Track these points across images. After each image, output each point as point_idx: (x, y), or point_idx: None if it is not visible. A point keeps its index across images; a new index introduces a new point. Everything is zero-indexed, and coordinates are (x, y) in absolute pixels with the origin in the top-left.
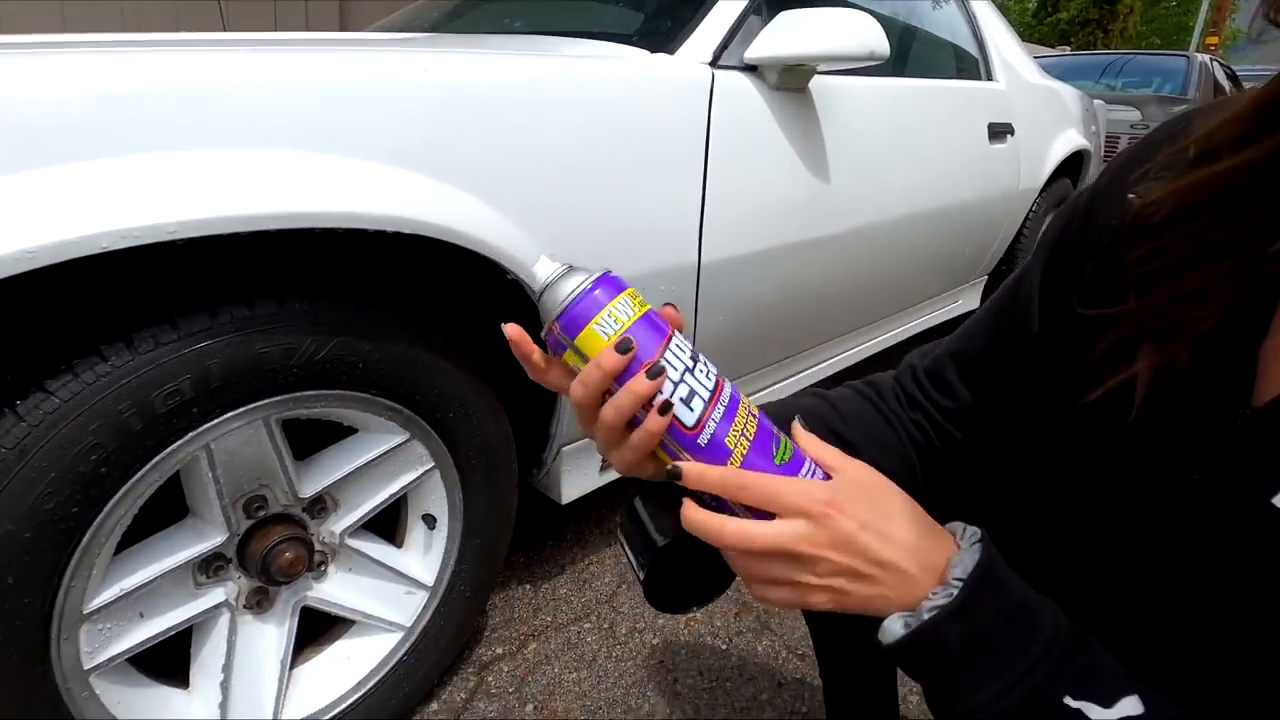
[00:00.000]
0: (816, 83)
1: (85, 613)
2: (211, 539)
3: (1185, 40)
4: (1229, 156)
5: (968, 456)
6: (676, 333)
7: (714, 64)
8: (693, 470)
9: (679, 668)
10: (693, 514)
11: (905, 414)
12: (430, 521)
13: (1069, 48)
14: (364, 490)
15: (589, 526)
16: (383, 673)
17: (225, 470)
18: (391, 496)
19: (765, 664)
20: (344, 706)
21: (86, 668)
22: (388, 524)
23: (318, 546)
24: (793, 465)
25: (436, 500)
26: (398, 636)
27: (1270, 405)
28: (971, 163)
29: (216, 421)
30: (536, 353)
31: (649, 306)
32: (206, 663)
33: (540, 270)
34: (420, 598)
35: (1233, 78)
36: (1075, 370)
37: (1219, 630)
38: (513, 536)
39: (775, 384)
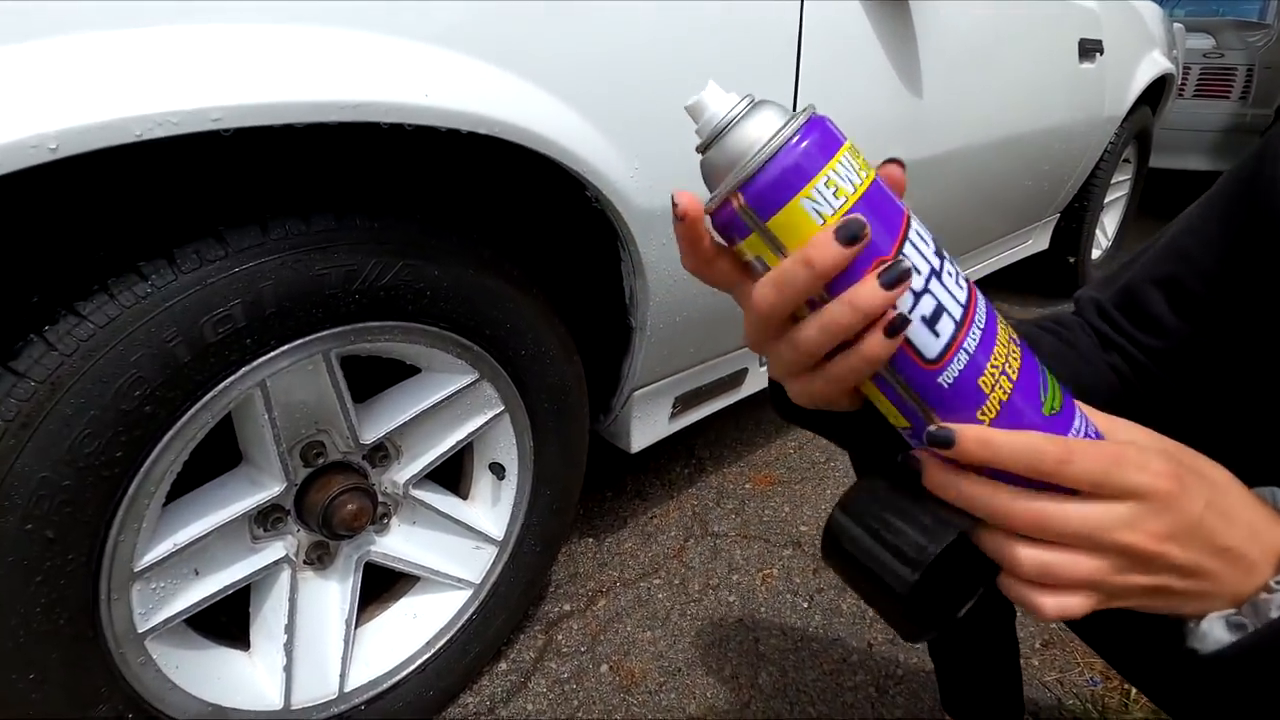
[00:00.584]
0: None
1: (136, 570)
2: (269, 489)
3: None
4: None
5: (1181, 406)
6: (912, 213)
7: None
8: (977, 439)
9: (759, 627)
10: (955, 482)
11: (1100, 356)
12: (499, 471)
13: None
14: (429, 436)
15: (648, 478)
16: (451, 632)
17: (282, 412)
18: (459, 443)
19: (851, 624)
20: (412, 668)
21: (141, 630)
22: (451, 475)
23: (380, 498)
24: (1064, 418)
25: (505, 448)
26: (466, 594)
27: None
28: (1061, 84)
29: (272, 355)
30: (708, 238)
31: (875, 171)
32: (268, 622)
33: (711, 102)
34: (489, 553)
35: None
36: None
37: None
38: None
39: None
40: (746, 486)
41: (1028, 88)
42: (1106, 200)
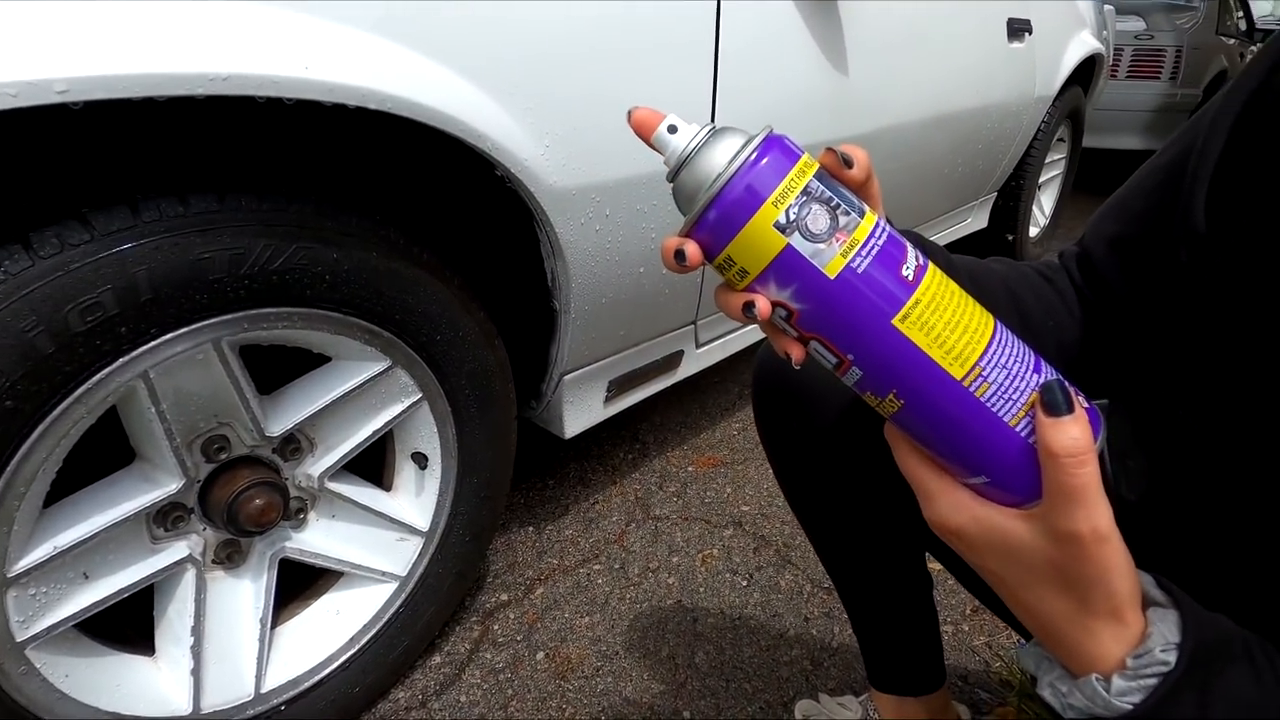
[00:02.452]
0: None
1: (9, 576)
2: (165, 486)
3: None
4: None
5: (1142, 350)
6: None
7: None
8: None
9: (698, 607)
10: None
11: (1075, 302)
12: (421, 460)
13: None
14: (343, 427)
15: (591, 464)
16: (377, 626)
17: (173, 405)
18: (375, 433)
19: (789, 599)
20: (336, 665)
21: (19, 639)
22: (375, 466)
23: (294, 492)
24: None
25: (427, 436)
26: (392, 587)
27: None
28: (991, 62)
29: (153, 344)
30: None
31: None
32: (173, 625)
33: (672, 134)
34: (414, 544)
35: None
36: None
37: None
38: (514, 476)
39: None
40: (689, 469)
41: (957, 66)
42: (1042, 179)
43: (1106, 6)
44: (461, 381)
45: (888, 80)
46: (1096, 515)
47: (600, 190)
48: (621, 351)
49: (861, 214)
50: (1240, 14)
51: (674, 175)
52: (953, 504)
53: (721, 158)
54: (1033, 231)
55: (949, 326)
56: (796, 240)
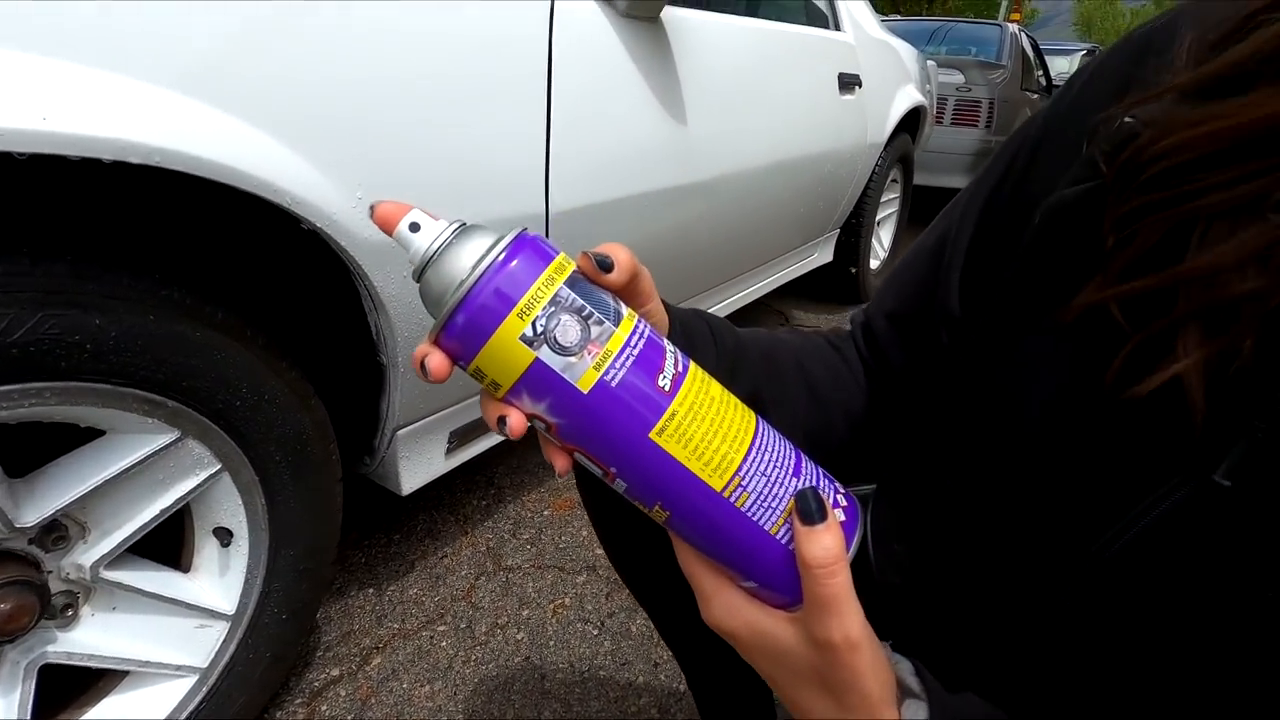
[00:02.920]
0: (669, 16)
1: None
2: None
3: (993, 15)
4: (1265, 88)
5: (920, 424)
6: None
7: None
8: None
9: (547, 663)
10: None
11: (862, 374)
12: (224, 536)
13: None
14: (123, 508)
15: (442, 515)
16: None
17: None
18: (165, 512)
19: (639, 645)
20: None
21: None
22: (172, 544)
23: (59, 587)
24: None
25: (230, 509)
26: (190, 681)
27: None
28: (825, 113)
29: None
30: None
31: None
32: None
33: (414, 233)
34: (218, 630)
35: (1035, 48)
36: (1014, 368)
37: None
38: (349, 535)
39: None
40: (545, 513)
41: (794, 117)
42: (880, 216)
43: (929, 62)
44: (270, 448)
45: (728, 130)
46: (848, 623)
47: None
48: (462, 401)
49: (617, 320)
50: (1040, 72)
51: (418, 275)
52: (726, 607)
53: (467, 260)
54: (874, 264)
55: (707, 437)
56: (545, 354)
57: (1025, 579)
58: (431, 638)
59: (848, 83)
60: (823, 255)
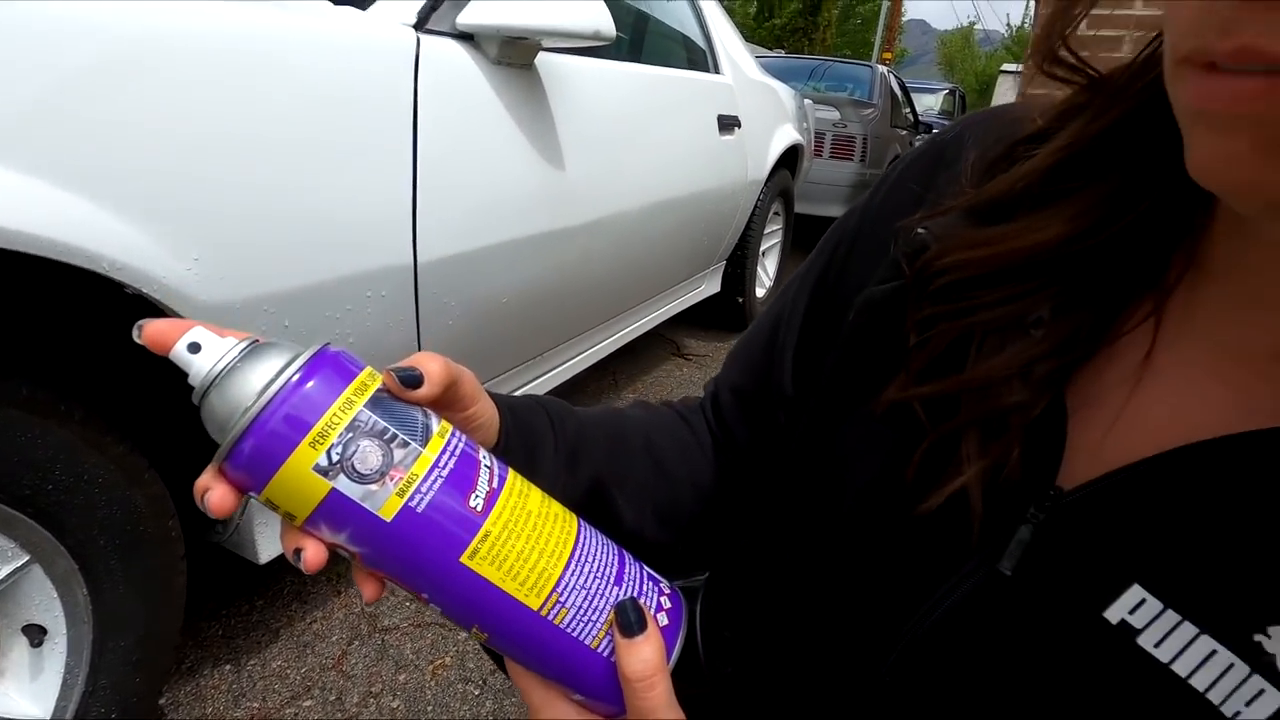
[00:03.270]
0: (544, 62)
1: None
2: None
3: (868, 54)
4: (1024, 219)
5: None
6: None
7: (420, 27)
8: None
9: None
10: None
11: (710, 447)
12: (36, 635)
13: (784, 50)
14: None
15: (314, 576)
16: None
17: None
18: None
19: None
20: None
21: None
22: None
23: None
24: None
25: (42, 604)
26: None
27: (1092, 488)
28: (705, 153)
29: None
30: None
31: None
32: None
33: (189, 356)
34: None
35: (903, 87)
36: (831, 453)
37: None
38: (205, 605)
39: (521, 386)
40: None
41: (673, 157)
42: (764, 247)
43: (806, 100)
44: (92, 532)
45: (607, 172)
46: None
47: (274, 301)
48: None
49: (425, 440)
50: (908, 109)
51: (199, 399)
52: (554, 716)
53: (256, 382)
54: (760, 293)
55: (523, 555)
56: (343, 483)
57: (835, 669)
58: (296, 714)
59: (727, 124)
60: (710, 286)
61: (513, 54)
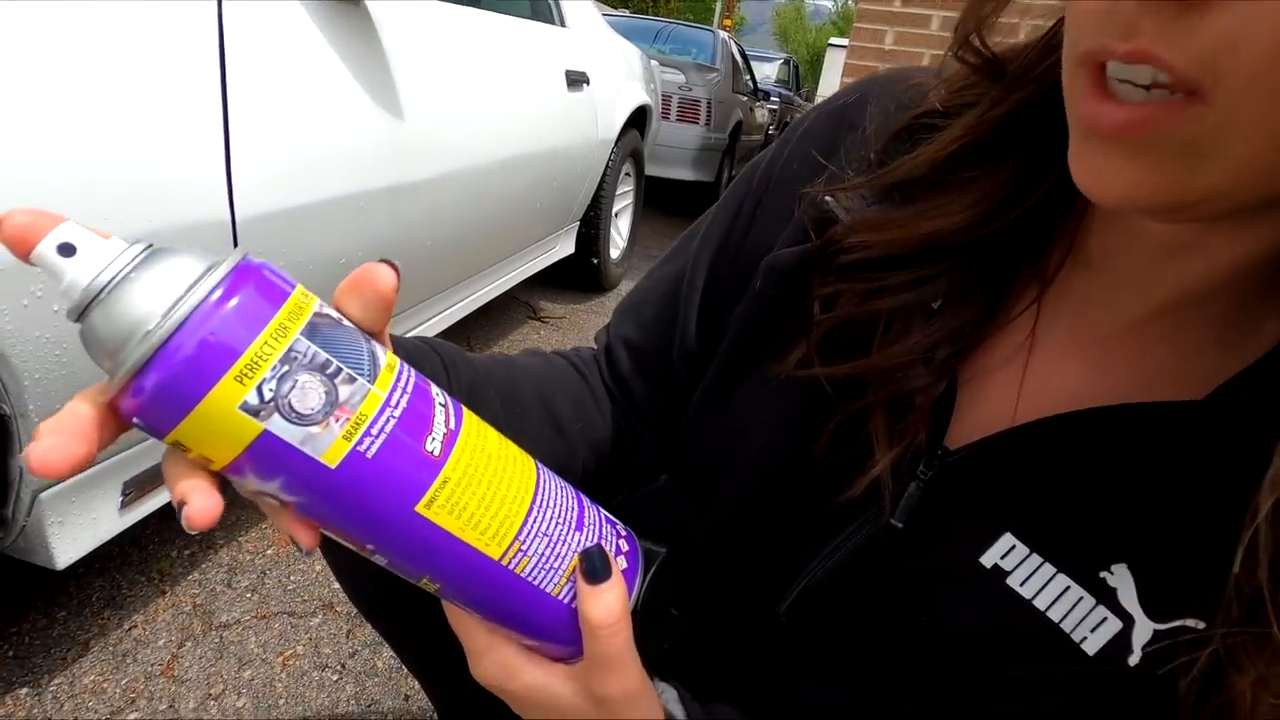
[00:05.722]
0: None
1: None
2: None
3: (710, 19)
4: (927, 202)
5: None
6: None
7: None
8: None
9: None
10: None
11: (608, 407)
12: None
13: (628, 10)
14: None
15: (129, 575)
16: None
17: None
18: None
19: (387, 680)
20: None
21: None
22: None
23: None
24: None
25: None
26: None
27: (974, 449)
28: (554, 109)
29: None
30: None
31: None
32: None
33: (59, 261)
34: None
35: (743, 54)
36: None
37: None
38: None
39: None
40: (269, 552)
41: (522, 112)
42: (616, 208)
43: (653, 61)
44: None
45: (452, 124)
46: (628, 678)
47: None
48: (137, 444)
49: (375, 374)
50: (748, 76)
51: (78, 316)
52: (500, 664)
53: (159, 298)
54: (614, 253)
55: (484, 502)
56: (277, 424)
57: (738, 612)
58: None
59: (575, 79)
60: (565, 247)
61: None
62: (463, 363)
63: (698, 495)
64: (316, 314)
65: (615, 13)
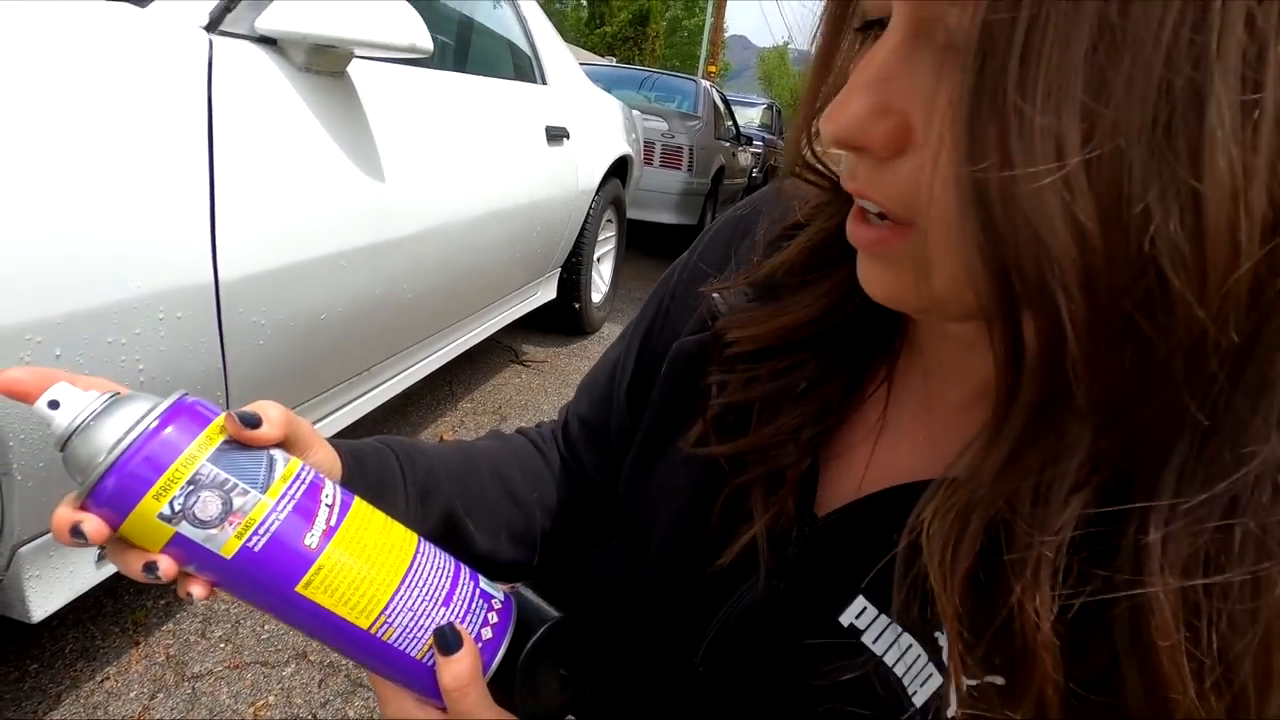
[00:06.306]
0: (360, 71)
1: None
2: None
3: (695, 65)
4: (790, 297)
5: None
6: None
7: (213, 29)
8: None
9: None
10: None
11: (561, 478)
12: None
13: (614, 59)
14: None
15: (103, 626)
16: None
17: None
18: None
19: None
20: None
21: None
22: None
23: None
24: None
25: None
26: None
27: (832, 518)
28: (534, 164)
29: None
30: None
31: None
32: None
33: (49, 412)
34: None
35: (725, 101)
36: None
37: None
38: None
39: (351, 401)
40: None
41: (501, 168)
42: (599, 254)
43: (634, 112)
44: None
45: (432, 184)
46: None
47: (42, 328)
48: None
49: (266, 487)
50: (730, 122)
51: (62, 447)
52: (399, 710)
53: (109, 438)
54: (596, 297)
55: (355, 583)
56: (185, 528)
57: (662, 662)
58: None
59: (555, 134)
60: (546, 293)
61: (322, 62)
62: (418, 455)
63: (635, 554)
64: (226, 440)
65: (602, 62)
